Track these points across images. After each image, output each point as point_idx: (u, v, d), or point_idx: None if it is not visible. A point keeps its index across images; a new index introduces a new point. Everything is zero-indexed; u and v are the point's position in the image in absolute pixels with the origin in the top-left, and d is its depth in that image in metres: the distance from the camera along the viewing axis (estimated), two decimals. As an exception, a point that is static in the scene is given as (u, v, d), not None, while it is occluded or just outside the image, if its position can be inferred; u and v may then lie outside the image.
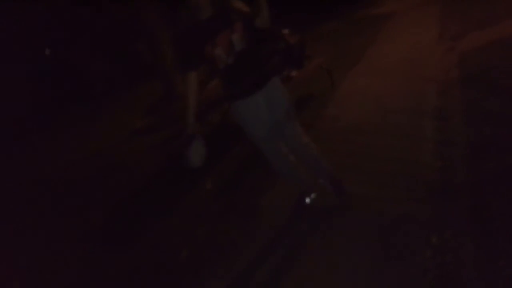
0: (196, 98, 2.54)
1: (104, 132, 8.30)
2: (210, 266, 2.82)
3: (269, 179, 3.50)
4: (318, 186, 2.98)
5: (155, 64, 8.25)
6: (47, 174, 6.60)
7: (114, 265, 3.28)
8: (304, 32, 7.01)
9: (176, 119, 6.47)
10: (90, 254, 3.63)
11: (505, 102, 3.42)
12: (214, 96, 5.54)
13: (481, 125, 3.23)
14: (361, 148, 3.64)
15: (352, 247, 2.47)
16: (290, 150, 2.80)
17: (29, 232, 4.52)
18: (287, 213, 3.07)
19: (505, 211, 2.30)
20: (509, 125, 3.09)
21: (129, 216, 4.16)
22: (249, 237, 2.97)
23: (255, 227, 3.07)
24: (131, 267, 3.18)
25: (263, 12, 2.46)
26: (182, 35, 2.55)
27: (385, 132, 3.78)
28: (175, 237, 3.39)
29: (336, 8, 12.29)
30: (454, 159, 2.98)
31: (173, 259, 3.07)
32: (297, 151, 2.82)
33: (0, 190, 6.32)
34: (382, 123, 3.98)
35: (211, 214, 3.53)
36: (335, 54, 7.03)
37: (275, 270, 2.56)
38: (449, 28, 6.43)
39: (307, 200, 2.99)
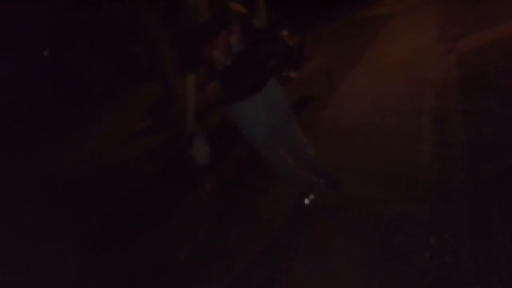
0: (195, 99, 2.55)
1: (103, 133, 8.31)
2: (209, 267, 2.83)
3: (268, 180, 3.50)
4: (314, 183, 3.00)
5: (155, 65, 8.27)
6: (47, 174, 6.61)
7: (114, 266, 3.29)
8: (303, 33, 7.06)
9: (175, 120, 6.49)
10: (89, 255, 3.64)
11: (504, 103, 3.42)
12: (213, 97, 5.56)
13: (480, 126, 3.24)
14: (360, 149, 3.65)
15: (351, 248, 2.48)
16: (288, 151, 2.81)
17: (29, 232, 4.53)
18: (286, 214, 3.09)
19: (504, 212, 2.30)
20: (508, 125, 3.10)
21: (129, 216, 4.17)
22: (248, 238, 2.98)
23: (254, 228, 3.08)
24: (130, 267, 3.19)
25: (261, 12, 2.48)
26: (180, 37, 2.56)
27: (384, 133, 3.79)
28: (174, 238, 3.40)
29: (335, 9, 12.30)
30: (453, 160, 2.99)
31: (173, 260, 3.08)
32: (295, 152, 2.83)
33: (0, 190, 6.33)
34: (381, 124, 3.99)
35: (210, 215, 3.54)
36: (334, 55, 7.04)
37: (275, 271, 2.56)
38: (448, 29, 6.44)
39: (306, 201, 3.00)
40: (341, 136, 4.08)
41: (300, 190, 3.05)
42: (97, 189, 5.20)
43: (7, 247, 4.21)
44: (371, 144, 3.66)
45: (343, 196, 2.96)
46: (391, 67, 5.66)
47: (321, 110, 4.96)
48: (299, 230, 2.83)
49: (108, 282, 3.13)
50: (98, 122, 9.88)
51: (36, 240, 4.27)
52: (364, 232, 2.57)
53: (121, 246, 3.59)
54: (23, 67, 13.11)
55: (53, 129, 11.10)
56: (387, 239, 2.44)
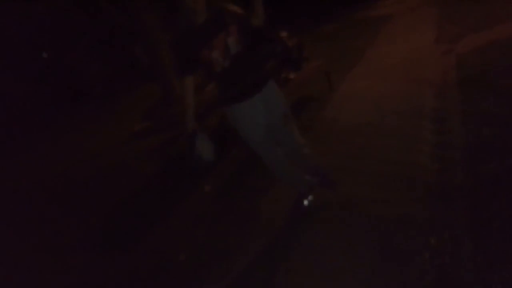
0: (194, 99, 2.56)
1: (103, 134, 8.31)
2: (209, 267, 2.83)
3: (268, 180, 3.51)
4: (307, 182, 3.01)
5: (154, 66, 8.26)
6: (47, 175, 6.60)
7: (114, 266, 3.29)
8: (303, 34, 7.06)
9: (175, 121, 6.49)
10: (89, 255, 3.64)
11: (503, 103, 3.44)
12: (212, 99, 5.57)
13: (480, 126, 3.25)
14: (360, 150, 3.65)
15: (351, 248, 2.48)
16: (285, 152, 2.81)
17: (29, 232, 4.53)
18: (286, 214, 3.09)
19: (504, 212, 2.31)
20: (508, 126, 3.11)
21: (129, 217, 4.17)
22: (248, 238, 2.98)
23: (254, 228, 3.09)
24: (130, 267, 3.19)
25: (258, 11, 2.48)
26: (178, 39, 2.56)
27: (384, 134, 3.80)
28: (174, 238, 3.41)
29: (334, 10, 12.31)
30: (453, 160, 3.00)
31: (173, 260, 3.09)
32: (293, 153, 2.84)
33: (0, 190, 6.33)
34: (380, 125, 4.00)
35: (210, 215, 3.54)
36: (333, 56, 7.05)
37: (274, 271, 2.57)
38: (447, 30, 6.45)
39: (305, 202, 3.01)
40: (340, 136, 4.09)
41: (299, 190, 3.05)
42: (97, 189, 5.20)
43: (7, 247, 4.22)
44: (371, 145, 3.67)
45: (343, 196, 2.97)
46: (391, 68, 5.67)
47: (320, 111, 4.97)
48: (299, 230, 2.84)
49: (108, 282, 3.13)
50: (97, 123, 9.87)
51: (36, 240, 4.27)
52: (364, 232, 2.58)
53: (121, 246, 3.60)
54: (23, 67, 13.12)
55: (53, 129, 11.10)
56: (387, 239, 2.44)
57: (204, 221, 3.46)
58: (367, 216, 2.70)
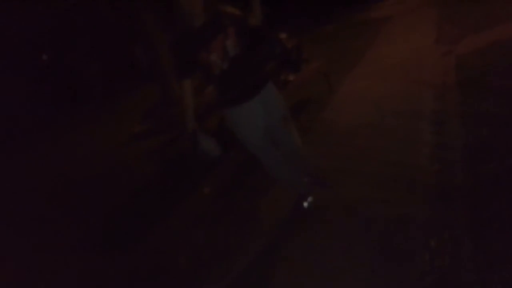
0: (193, 101, 2.56)
1: (103, 135, 8.31)
2: (209, 267, 2.83)
3: (268, 181, 3.50)
4: (300, 183, 3.01)
5: (153, 68, 8.26)
6: (46, 176, 6.61)
7: (114, 266, 3.29)
8: (302, 35, 7.05)
9: (174, 122, 6.49)
10: (89, 255, 3.64)
11: (503, 104, 3.44)
12: (211, 101, 5.56)
13: (480, 126, 3.25)
14: (359, 151, 3.65)
15: (351, 248, 2.48)
16: (284, 154, 2.81)
17: (29, 232, 4.53)
18: (286, 214, 3.09)
19: (504, 212, 2.31)
20: (507, 126, 3.11)
21: (128, 217, 4.17)
22: (248, 238, 2.98)
23: (254, 228, 3.09)
24: (131, 268, 3.19)
25: (256, 11, 2.49)
26: (177, 42, 2.57)
27: (383, 135, 3.79)
28: (174, 238, 3.41)
29: (333, 12, 12.30)
30: (452, 161, 3.00)
31: (173, 260, 3.09)
32: (292, 155, 2.84)
33: (0, 190, 6.33)
34: (380, 126, 4.00)
35: (210, 215, 3.54)
36: (332, 58, 7.04)
37: (274, 272, 2.57)
38: (447, 31, 6.45)
39: (305, 204, 3.00)
40: (340, 137, 4.09)
41: (298, 192, 3.05)
42: (97, 189, 5.20)
43: (7, 247, 4.22)
44: (371, 146, 3.67)
45: (343, 197, 2.97)
46: (390, 69, 5.67)
47: (320, 112, 4.97)
48: (299, 230, 2.84)
49: (108, 282, 3.13)
50: (97, 124, 9.87)
51: (36, 240, 4.27)
52: (364, 232, 2.58)
53: (121, 247, 3.60)
54: (23, 67, 13.12)
55: (53, 129, 11.10)
56: (387, 239, 2.44)
57: (204, 221, 3.47)
58: (367, 216, 2.70)
